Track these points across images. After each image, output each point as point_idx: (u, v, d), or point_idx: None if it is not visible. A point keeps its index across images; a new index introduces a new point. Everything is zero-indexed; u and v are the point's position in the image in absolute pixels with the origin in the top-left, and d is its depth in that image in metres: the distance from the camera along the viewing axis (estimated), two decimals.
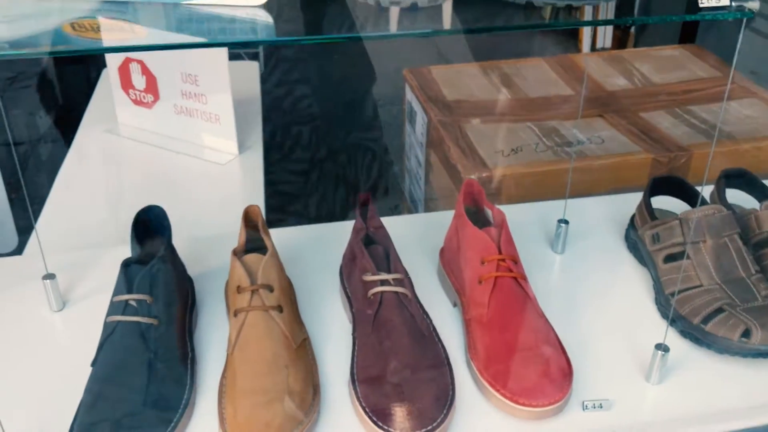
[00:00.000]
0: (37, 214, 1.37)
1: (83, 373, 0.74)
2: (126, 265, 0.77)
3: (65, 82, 2.72)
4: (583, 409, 0.74)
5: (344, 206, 2.04)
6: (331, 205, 2.02)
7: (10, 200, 1.60)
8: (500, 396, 0.73)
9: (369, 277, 0.79)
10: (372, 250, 0.82)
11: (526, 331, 0.77)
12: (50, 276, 0.85)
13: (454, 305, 0.88)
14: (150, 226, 0.84)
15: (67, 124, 2.50)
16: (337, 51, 3.21)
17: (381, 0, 0.71)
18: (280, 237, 0.92)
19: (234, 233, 0.86)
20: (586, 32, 3.30)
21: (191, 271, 0.90)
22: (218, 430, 0.70)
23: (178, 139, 1.38)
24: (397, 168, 2.30)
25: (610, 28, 3.29)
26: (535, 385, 0.72)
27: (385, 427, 0.69)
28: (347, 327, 0.84)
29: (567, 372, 0.75)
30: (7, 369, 0.78)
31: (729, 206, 0.91)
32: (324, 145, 2.32)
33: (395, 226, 0.91)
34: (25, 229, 1.58)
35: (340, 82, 2.76)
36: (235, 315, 0.75)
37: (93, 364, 0.73)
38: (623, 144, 1.35)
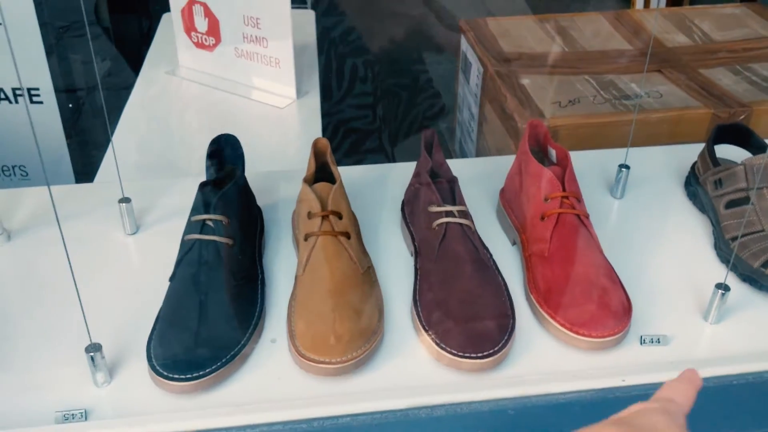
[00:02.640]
0: (95, 158, 1.41)
1: (158, 290, 0.77)
2: (203, 186, 0.80)
3: (119, 32, 2.76)
4: (641, 344, 0.76)
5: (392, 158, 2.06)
6: (383, 158, 2.04)
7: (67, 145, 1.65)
8: (560, 326, 0.75)
9: (434, 209, 0.81)
10: (437, 184, 0.84)
11: (587, 266, 0.78)
12: (126, 200, 0.89)
13: (513, 243, 0.89)
14: (224, 153, 0.87)
15: (122, 72, 2.55)
16: (388, 8, 3.20)
17: None
18: (342, 175, 0.94)
19: (295, 172, 0.88)
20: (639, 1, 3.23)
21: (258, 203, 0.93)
22: (288, 345, 0.73)
23: (238, 83, 1.40)
24: (444, 126, 2.30)
25: None
26: (594, 316, 0.74)
27: (448, 349, 0.71)
28: (409, 260, 0.87)
29: (627, 306, 0.76)
30: (87, 286, 0.82)
31: None
32: (373, 103, 2.34)
33: (454, 168, 0.92)
34: (79, 174, 1.63)
35: (390, 38, 2.75)
36: (306, 239, 0.78)
37: (171, 278, 0.76)
38: (682, 99, 1.34)
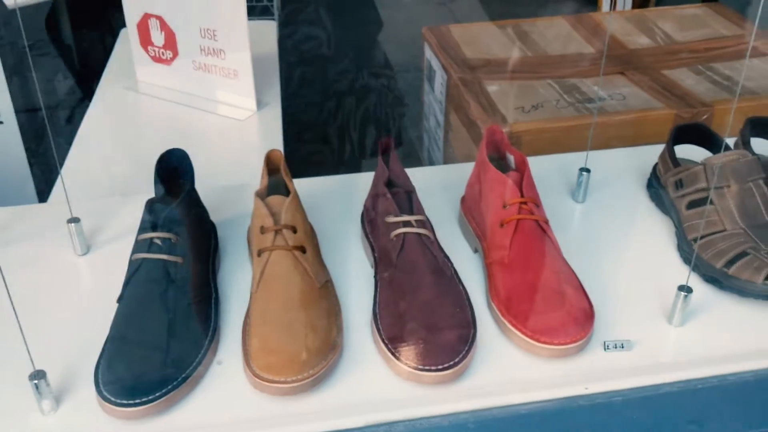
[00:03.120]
0: (56, 177, 1.38)
1: (107, 312, 0.75)
2: (150, 204, 0.77)
3: (82, 48, 2.73)
4: (605, 349, 0.74)
5: (359, 167, 2.04)
6: (348, 168, 2.02)
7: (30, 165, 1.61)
8: (521, 335, 0.73)
9: (392, 219, 0.79)
10: (394, 194, 0.83)
11: (547, 273, 0.77)
12: (75, 220, 0.86)
13: (475, 251, 0.88)
14: (173, 168, 0.84)
15: (85, 90, 2.51)
16: (354, 18, 3.20)
17: None
18: (300, 187, 0.92)
19: (251, 186, 0.86)
20: (605, 3, 3.26)
21: (212, 219, 0.91)
22: (243, 365, 0.71)
23: (197, 96, 1.38)
24: (414, 135, 2.29)
25: None
26: (556, 323, 0.73)
27: (408, 363, 0.70)
28: (369, 272, 0.85)
29: (589, 312, 0.75)
30: (35, 310, 0.79)
31: (753, 153, 0.90)
32: (340, 111, 2.32)
33: (415, 177, 0.91)
34: (42, 193, 1.60)
35: (353, 47, 2.74)
36: (259, 255, 0.76)
37: (119, 300, 0.74)
38: (645, 100, 1.34)
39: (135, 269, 0.73)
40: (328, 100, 2.11)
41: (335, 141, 2.10)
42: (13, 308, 0.64)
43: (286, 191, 0.82)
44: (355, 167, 2.04)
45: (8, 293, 0.64)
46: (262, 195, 0.80)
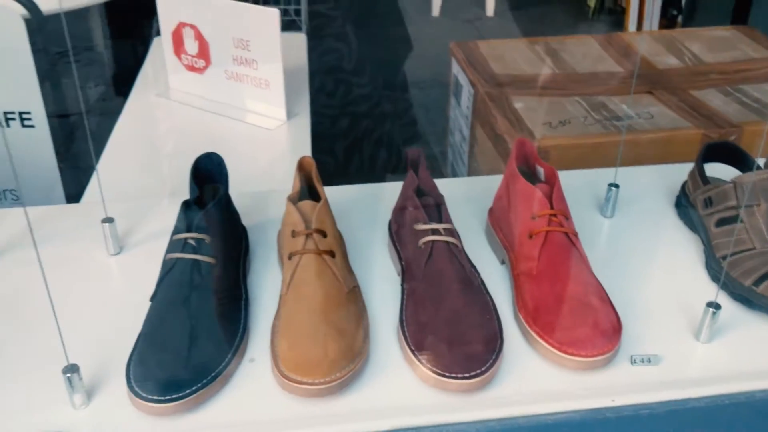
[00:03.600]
0: (85, 181, 1.40)
1: (139, 310, 0.76)
2: (186, 205, 0.79)
3: (114, 57, 2.78)
4: (632, 363, 0.74)
5: (383, 181, 2.06)
6: (371, 181, 2.04)
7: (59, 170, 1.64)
8: (548, 346, 0.74)
9: (420, 227, 0.80)
10: (423, 202, 0.83)
11: (575, 285, 0.77)
12: (109, 220, 0.88)
13: (502, 263, 0.88)
14: (208, 172, 0.86)
15: (115, 97, 2.56)
16: (381, 34, 3.22)
17: None
18: (328, 194, 0.93)
19: (281, 193, 0.87)
20: (632, 21, 3.27)
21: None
22: (271, 365, 0.72)
23: (228, 105, 1.40)
24: (437, 150, 2.31)
25: (656, 17, 3.25)
26: (584, 336, 0.73)
27: (435, 369, 0.70)
28: (396, 279, 0.85)
29: (616, 325, 0.75)
30: (68, 306, 0.81)
31: None
32: (363, 127, 2.34)
33: (441, 188, 0.91)
34: (70, 197, 1.63)
35: (378, 62, 2.77)
36: (290, 258, 0.77)
37: (152, 298, 0.75)
38: (673, 120, 1.34)
39: (169, 268, 0.75)
40: (351, 114, 2.13)
41: (358, 154, 2.12)
42: (51, 303, 0.66)
43: (316, 197, 0.83)
44: (377, 181, 2.05)
45: (47, 288, 0.65)
46: (294, 200, 0.81)
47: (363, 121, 2.11)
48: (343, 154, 2.02)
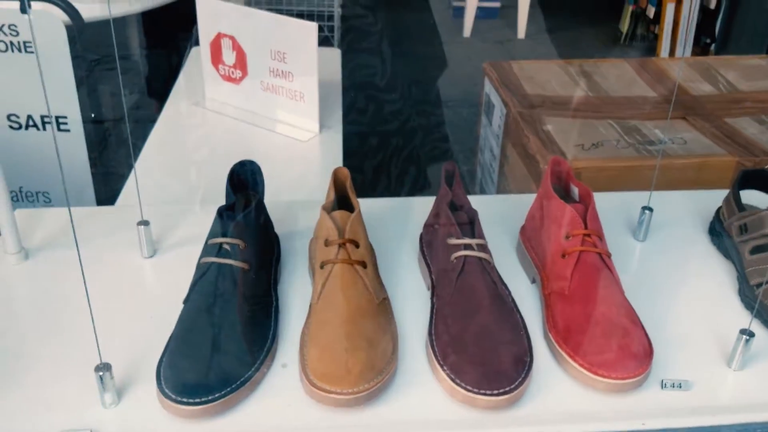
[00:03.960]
0: (117, 188, 1.42)
1: (171, 313, 0.77)
2: (221, 211, 0.79)
3: (149, 66, 2.82)
4: (662, 388, 0.74)
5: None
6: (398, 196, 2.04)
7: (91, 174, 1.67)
8: (579, 367, 0.73)
9: (453, 241, 0.80)
10: (456, 217, 0.83)
11: (607, 306, 0.76)
12: (144, 223, 0.89)
13: (533, 281, 0.88)
14: (244, 179, 0.87)
15: (149, 106, 2.59)
16: (415, 52, 3.25)
17: None
18: (360, 206, 0.94)
19: (312, 203, 0.88)
20: (664, 48, 3.26)
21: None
22: (299, 373, 0.72)
23: (263, 115, 1.42)
24: (465, 169, 2.31)
25: (689, 45, 3.23)
26: (615, 358, 0.72)
27: (463, 385, 0.70)
28: (425, 294, 0.85)
29: (648, 349, 0.74)
30: (101, 307, 0.82)
31: None
32: (395, 143, 2.35)
33: (474, 205, 0.91)
34: (100, 201, 1.65)
35: (409, 80, 2.79)
36: (322, 267, 0.77)
37: (185, 301, 0.76)
38: (707, 146, 1.33)
39: (203, 272, 0.75)
40: (382, 130, 2.14)
41: (386, 170, 2.13)
42: (89, 302, 0.67)
43: (349, 208, 0.84)
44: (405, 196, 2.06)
45: (86, 287, 0.66)
46: (328, 209, 0.82)
47: (393, 138, 2.12)
48: (369, 169, 2.03)
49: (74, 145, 1.62)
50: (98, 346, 0.68)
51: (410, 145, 2.35)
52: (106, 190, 1.79)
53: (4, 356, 0.75)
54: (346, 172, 0.86)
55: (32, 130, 1.58)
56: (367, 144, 2.25)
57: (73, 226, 0.63)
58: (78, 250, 0.65)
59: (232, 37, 1.39)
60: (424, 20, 3.65)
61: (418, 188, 2.15)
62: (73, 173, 1.65)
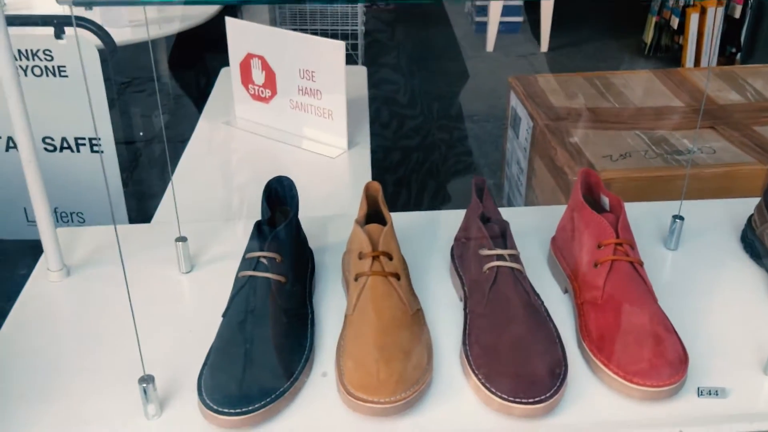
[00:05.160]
0: (148, 206, 1.46)
1: (210, 326, 0.78)
2: (259, 225, 0.81)
3: (178, 88, 2.88)
4: (698, 395, 0.74)
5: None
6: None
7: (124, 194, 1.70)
8: (614, 375, 0.73)
9: (485, 252, 0.81)
10: (488, 229, 0.84)
11: (641, 314, 0.77)
12: (182, 239, 0.91)
13: (565, 291, 0.88)
14: (278, 195, 0.89)
15: (179, 126, 2.64)
16: (439, 68, 3.27)
17: None
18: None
19: (344, 217, 0.90)
20: (689, 58, 3.24)
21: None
22: (336, 383, 0.73)
23: (292, 133, 1.44)
24: (491, 182, 2.31)
25: (715, 54, 3.22)
26: (650, 366, 0.72)
27: (498, 393, 0.70)
28: (458, 306, 0.86)
29: (683, 356, 0.74)
30: (142, 322, 0.84)
31: None
32: (422, 159, 2.37)
33: (504, 216, 0.92)
34: (132, 219, 1.68)
35: (438, 96, 2.81)
36: (356, 279, 0.78)
37: (224, 314, 0.77)
38: (736, 155, 1.33)
39: (241, 285, 0.77)
40: (407, 145, 2.15)
41: (414, 184, 2.14)
42: (132, 315, 0.69)
43: (381, 221, 0.85)
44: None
45: (129, 300, 0.68)
46: (361, 223, 0.83)
47: (418, 152, 2.14)
48: (396, 184, 2.05)
49: (108, 165, 1.66)
50: (142, 358, 0.70)
51: (436, 159, 2.36)
52: (139, 209, 1.83)
53: (48, 370, 0.77)
54: (377, 186, 0.87)
55: (66, 152, 1.62)
56: (393, 159, 2.26)
57: (118, 242, 0.65)
58: (123, 265, 0.67)
59: (261, 57, 1.41)
60: (446, 36, 3.67)
61: (445, 202, 2.16)
62: (106, 193, 1.68)
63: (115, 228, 0.65)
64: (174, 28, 2.07)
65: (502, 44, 3.64)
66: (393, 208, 0.86)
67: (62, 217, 1.70)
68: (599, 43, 3.67)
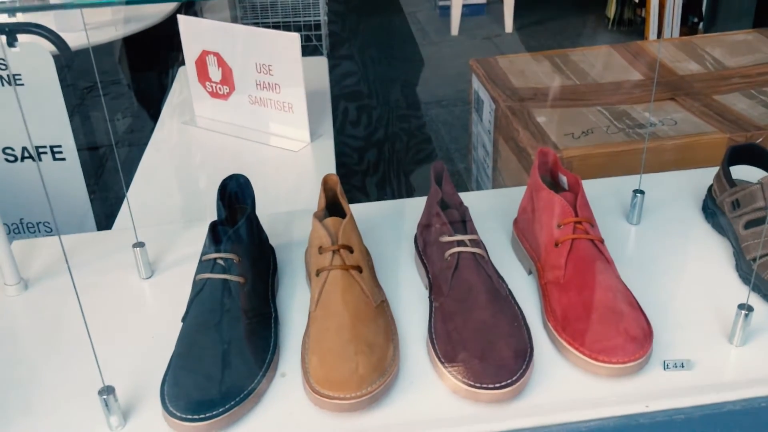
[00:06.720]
0: (117, 212, 1.43)
1: (171, 332, 0.77)
2: (214, 226, 0.80)
3: (140, 89, 2.83)
4: (665, 368, 0.74)
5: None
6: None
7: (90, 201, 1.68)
8: (579, 354, 0.73)
9: (446, 239, 0.81)
10: (448, 215, 0.84)
11: (604, 292, 0.77)
12: (140, 244, 0.89)
13: (529, 273, 0.88)
14: (234, 193, 0.87)
15: (144, 128, 2.61)
16: (403, 54, 3.25)
17: None
18: (353, 211, 0.94)
19: (307, 213, 0.88)
20: (652, 30, 3.26)
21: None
22: (302, 382, 0.72)
23: (253, 129, 1.42)
24: (461, 166, 2.31)
25: (677, 25, 3.24)
26: (615, 342, 0.72)
27: (465, 381, 0.70)
28: (422, 293, 0.86)
29: (647, 331, 0.74)
30: (102, 331, 0.82)
31: None
32: (388, 145, 2.36)
33: (467, 201, 0.92)
34: (100, 225, 1.66)
35: (401, 83, 2.80)
36: (317, 274, 0.77)
37: (183, 319, 0.76)
38: (697, 125, 1.34)
39: (199, 289, 0.76)
40: (374, 134, 2.14)
41: (384, 174, 2.13)
42: (86, 326, 0.67)
43: (341, 214, 0.84)
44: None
45: (82, 312, 0.67)
46: (320, 217, 0.82)
47: (386, 141, 2.12)
48: (363, 174, 2.04)
49: (71, 173, 1.63)
50: (100, 370, 0.69)
51: (402, 147, 2.35)
52: (106, 215, 1.80)
53: (9, 386, 0.76)
54: (335, 178, 0.86)
55: (28, 161, 1.59)
56: (360, 150, 2.25)
57: (64, 253, 0.64)
58: (71, 276, 0.66)
59: (216, 54, 1.39)
60: (409, 21, 3.65)
61: (420, 189, 2.15)
62: (72, 201, 1.65)
63: (60, 239, 0.64)
64: (131, 28, 2.04)
65: (467, 27, 3.63)
66: (360, 199, 0.85)
67: (29, 228, 1.67)
68: (563, 20, 3.67)
